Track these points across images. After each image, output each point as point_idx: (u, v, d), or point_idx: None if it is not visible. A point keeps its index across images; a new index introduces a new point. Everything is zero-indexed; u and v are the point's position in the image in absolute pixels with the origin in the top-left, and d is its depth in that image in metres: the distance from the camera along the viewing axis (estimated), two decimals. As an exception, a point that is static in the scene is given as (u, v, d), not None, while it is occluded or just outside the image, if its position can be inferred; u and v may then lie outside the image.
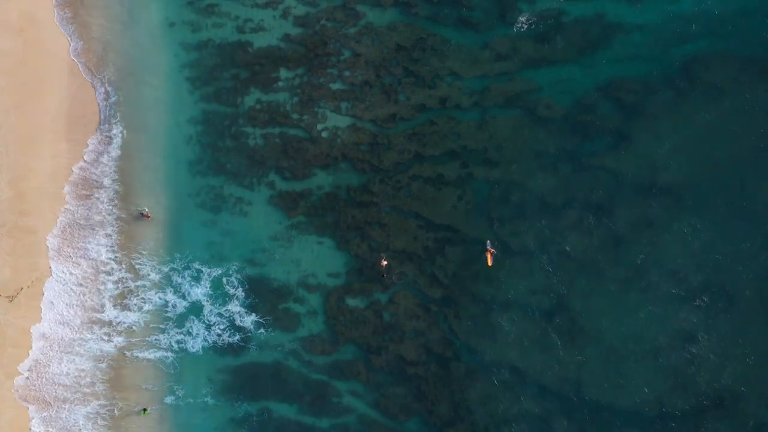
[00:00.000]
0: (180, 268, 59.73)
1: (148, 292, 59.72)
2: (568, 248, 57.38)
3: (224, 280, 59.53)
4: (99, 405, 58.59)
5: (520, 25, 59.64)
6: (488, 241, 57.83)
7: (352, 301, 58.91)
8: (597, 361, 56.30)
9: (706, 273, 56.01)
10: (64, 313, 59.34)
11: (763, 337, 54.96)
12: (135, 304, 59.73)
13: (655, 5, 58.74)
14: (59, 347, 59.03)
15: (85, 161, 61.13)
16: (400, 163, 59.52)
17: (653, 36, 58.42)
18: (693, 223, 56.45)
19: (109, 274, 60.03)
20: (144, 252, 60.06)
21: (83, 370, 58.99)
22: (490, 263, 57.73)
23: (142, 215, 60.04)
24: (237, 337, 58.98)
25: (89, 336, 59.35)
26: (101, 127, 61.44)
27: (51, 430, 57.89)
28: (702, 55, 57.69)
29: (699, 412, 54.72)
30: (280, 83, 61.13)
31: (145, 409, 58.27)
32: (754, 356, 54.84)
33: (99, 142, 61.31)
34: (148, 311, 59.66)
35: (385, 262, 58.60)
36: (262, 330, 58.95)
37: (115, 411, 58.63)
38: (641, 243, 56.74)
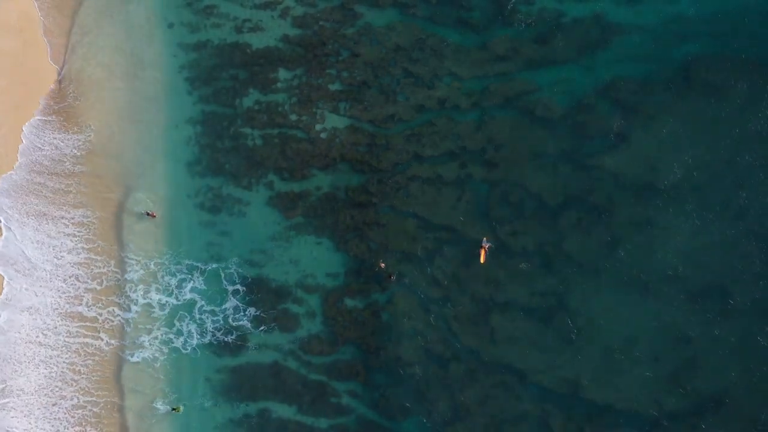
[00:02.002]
0: (177, 268, 59.92)
1: (144, 292, 59.90)
2: (566, 249, 57.28)
3: (222, 280, 59.66)
4: (87, 402, 58.82)
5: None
6: (484, 239, 57.77)
7: (350, 302, 58.95)
8: (596, 361, 56.23)
9: (706, 274, 55.85)
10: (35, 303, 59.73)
11: (762, 338, 54.80)
12: (126, 303, 59.91)
13: (654, 6, 58.46)
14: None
15: (70, 156, 61.46)
16: (399, 164, 59.49)
17: (652, 36, 58.18)
18: (692, 223, 56.28)
19: (95, 269, 60.17)
20: (140, 251, 60.24)
21: (59, 363, 59.31)
22: (482, 260, 57.67)
23: (147, 215, 60.16)
24: (234, 336, 59.13)
25: (64, 330, 59.53)
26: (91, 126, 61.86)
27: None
28: (701, 56, 57.44)
29: (697, 413, 54.63)
30: (279, 84, 61.13)
31: (175, 408, 58.51)
32: (753, 357, 54.69)
33: (87, 141, 61.63)
34: (142, 310, 59.87)
35: (383, 264, 58.60)
36: (260, 330, 59.08)
37: (113, 411, 58.89)
38: (640, 244, 56.57)
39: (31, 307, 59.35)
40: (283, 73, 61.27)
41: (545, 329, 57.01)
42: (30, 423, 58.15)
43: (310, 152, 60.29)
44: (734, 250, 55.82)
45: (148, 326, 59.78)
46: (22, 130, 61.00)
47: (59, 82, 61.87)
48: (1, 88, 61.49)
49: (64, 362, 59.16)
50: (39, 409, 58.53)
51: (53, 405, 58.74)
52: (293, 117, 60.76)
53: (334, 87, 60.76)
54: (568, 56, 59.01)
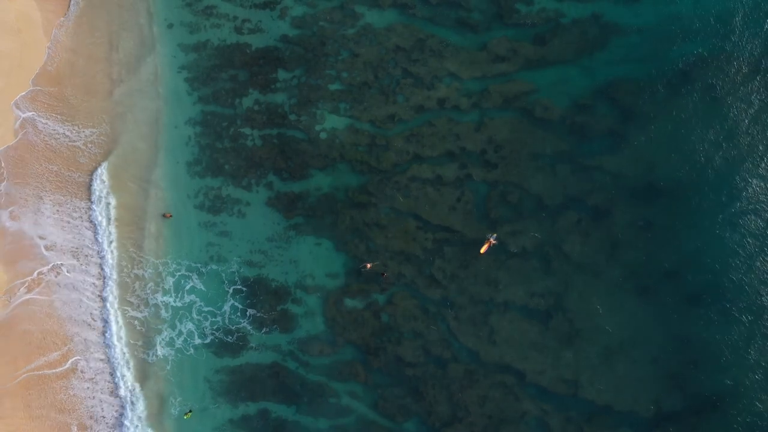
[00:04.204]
0: (176, 269, 59.84)
1: (152, 291, 59.92)
2: (565, 249, 57.35)
3: (222, 281, 59.60)
4: None
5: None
6: (495, 234, 57.68)
7: (350, 302, 58.94)
8: (594, 362, 56.27)
9: (704, 274, 55.96)
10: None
11: (761, 339, 54.93)
12: (139, 302, 60.03)
13: (653, 7, 58.64)
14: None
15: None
16: (399, 164, 59.51)
17: (651, 37, 58.34)
18: (690, 224, 56.40)
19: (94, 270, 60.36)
20: (150, 251, 60.28)
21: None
22: (482, 251, 57.61)
23: (164, 216, 60.13)
24: (234, 337, 59.08)
25: (113, 318, 59.99)
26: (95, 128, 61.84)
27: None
28: (699, 56, 57.61)
29: (697, 413, 54.74)
30: (278, 84, 61.13)
31: (189, 412, 58.51)
32: (753, 357, 54.82)
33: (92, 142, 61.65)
34: (154, 310, 59.91)
35: (369, 265, 58.60)
36: (260, 331, 59.03)
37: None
38: (638, 244, 56.67)
39: (68, 285, 59.45)
40: (282, 74, 61.26)
41: (544, 329, 57.03)
42: (96, 400, 58.68)
43: (310, 152, 60.29)
44: (734, 250, 55.95)
45: (154, 327, 59.88)
46: (26, 126, 61.18)
47: (54, 79, 61.83)
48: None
49: (121, 348, 59.44)
50: (102, 393, 58.93)
51: (112, 391, 58.97)
52: (293, 117, 60.75)
53: (334, 87, 60.76)
54: (566, 57, 59.11)
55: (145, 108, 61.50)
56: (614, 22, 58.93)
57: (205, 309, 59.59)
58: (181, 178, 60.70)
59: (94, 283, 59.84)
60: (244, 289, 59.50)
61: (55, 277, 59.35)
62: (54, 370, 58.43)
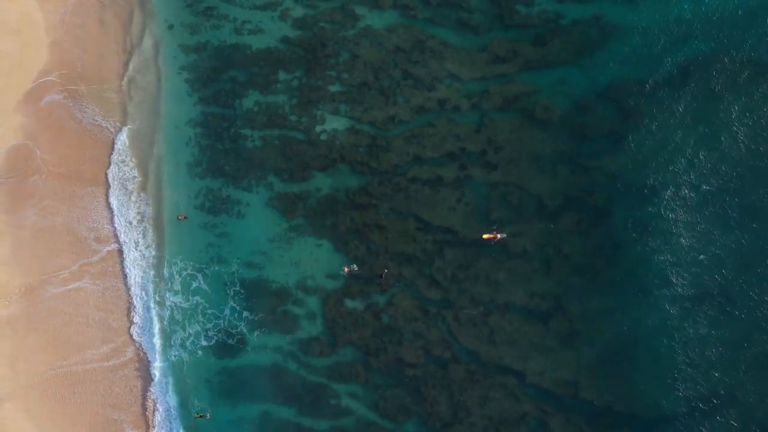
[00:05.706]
0: (177, 270, 59.86)
1: (162, 292, 60.13)
2: (566, 250, 57.40)
3: (223, 282, 59.64)
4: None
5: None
6: (504, 235, 57.75)
7: (350, 303, 58.99)
8: (595, 362, 56.36)
9: (704, 275, 56.03)
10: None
11: (760, 339, 55.02)
12: (161, 300, 60.35)
13: (654, 7, 58.63)
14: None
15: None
16: (399, 165, 59.53)
17: (651, 38, 58.34)
18: (692, 224, 56.45)
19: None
20: (159, 252, 60.52)
21: None
22: (485, 237, 57.67)
23: (178, 218, 60.25)
24: (235, 339, 59.12)
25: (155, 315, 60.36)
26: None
27: None
28: (700, 57, 57.63)
29: (697, 413, 54.84)
30: (279, 85, 61.12)
31: (203, 415, 58.57)
32: (751, 358, 54.92)
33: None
34: (164, 310, 60.11)
35: (347, 269, 58.63)
36: (260, 332, 59.07)
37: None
38: (639, 245, 56.74)
39: (117, 274, 60.13)
40: (282, 75, 61.24)
41: (544, 330, 57.10)
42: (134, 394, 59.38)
43: (310, 153, 60.31)
44: (735, 251, 56.02)
45: (174, 327, 60.13)
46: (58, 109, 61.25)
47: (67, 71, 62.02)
48: None
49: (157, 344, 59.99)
50: (137, 386, 59.77)
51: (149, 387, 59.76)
52: (293, 118, 60.77)
53: (334, 88, 60.76)
54: (567, 58, 59.11)
55: (144, 108, 61.51)
56: (614, 22, 58.91)
57: (209, 311, 59.69)
58: (181, 178, 60.75)
59: (135, 277, 60.27)
60: (245, 290, 59.53)
61: (109, 267, 59.75)
62: (105, 363, 58.91)
